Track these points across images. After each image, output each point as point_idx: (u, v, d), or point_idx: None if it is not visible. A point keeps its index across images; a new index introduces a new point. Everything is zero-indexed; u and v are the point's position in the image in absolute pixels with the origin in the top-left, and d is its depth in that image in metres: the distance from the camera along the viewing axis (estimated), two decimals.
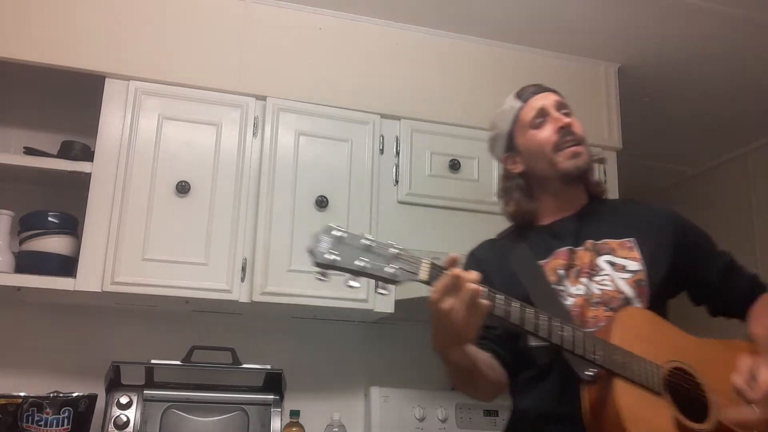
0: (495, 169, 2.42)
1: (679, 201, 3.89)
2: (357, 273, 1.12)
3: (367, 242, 1.14)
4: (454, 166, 2.45)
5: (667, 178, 3.88)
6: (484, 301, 1.18)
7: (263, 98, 2.34)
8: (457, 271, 1.16)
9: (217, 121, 2.28)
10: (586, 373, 1.27)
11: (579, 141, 1.52)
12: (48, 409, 1.98)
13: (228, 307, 2.31)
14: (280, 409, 2.19)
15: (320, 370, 2.52)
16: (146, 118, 2.21)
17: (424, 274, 1.16)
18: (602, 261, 1.45)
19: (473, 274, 1.17)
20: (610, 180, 2.64)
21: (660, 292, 1.44)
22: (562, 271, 1.44)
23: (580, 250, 1.47)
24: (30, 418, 1.96)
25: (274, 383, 2.21)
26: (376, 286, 1.15)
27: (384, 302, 2.27)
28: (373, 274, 1.12)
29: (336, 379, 2.54)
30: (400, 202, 2.39)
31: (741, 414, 1.26)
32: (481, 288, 1.17)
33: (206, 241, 2.17)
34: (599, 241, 1.47)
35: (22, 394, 1.98)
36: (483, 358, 1.37)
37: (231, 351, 2.24)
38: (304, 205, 2.27)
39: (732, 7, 2.41)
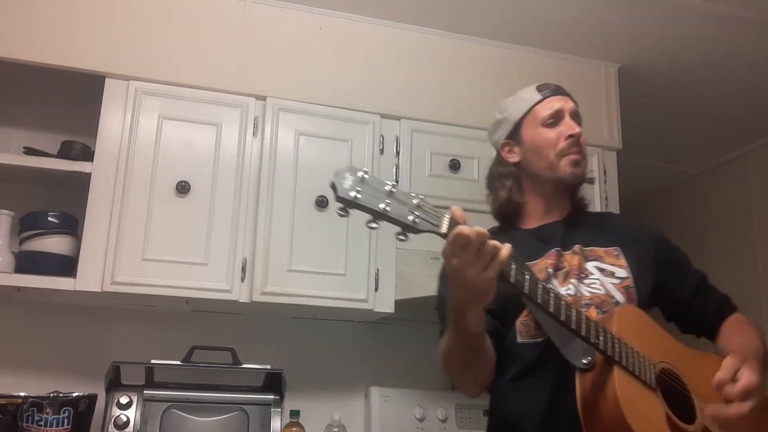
0: None
1: (679, 201, 3.89)
2: (378, 215, 1.12)
3: (390, 188, 1.12)
4: (454, 166, 2.45)
5: (667, 178, 3.88)
6: (502, 254, 1.14)
7: (263, 98, 2.34)
8: (479, 229, 1.12)
9: (217, 121, 2.28)
10: (582, 361, 1.27)
11: (583, 155, 1.54)
12: (48, 409, 1.98)
13: (228, 307, 2.31)
14: (280, 409, 2.19)
15: (320, 370, 2.52)
16: (146, 118, 2.21)
17: (444, 227, 1.13)
18: (591, 266, 1.46)
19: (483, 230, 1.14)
20: (610, 180, 2.64)
21: (645, 303, 1.46)
22: (550, 270, 1.44)
23: (567, 253, 1.47)
24: (30, 418, 1.96)
25: (274, 383, 2.21)
26: (397, 234, 1.14)
27: (384, 302, 2.27)
28: (395, 219, 1.11)
29: (336, 379, 2.54)
30: None
31: (721, 410, 1.29)
32: (499, 244, 1.13)
33: (206, 241, 2.17)
34: (587, 247, 1.48)
35: (22, 394, 1.98)
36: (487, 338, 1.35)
37: (231, 351, 2.24)
38: (304, 205, 2.27)
39: (732, 7, 2.41)
